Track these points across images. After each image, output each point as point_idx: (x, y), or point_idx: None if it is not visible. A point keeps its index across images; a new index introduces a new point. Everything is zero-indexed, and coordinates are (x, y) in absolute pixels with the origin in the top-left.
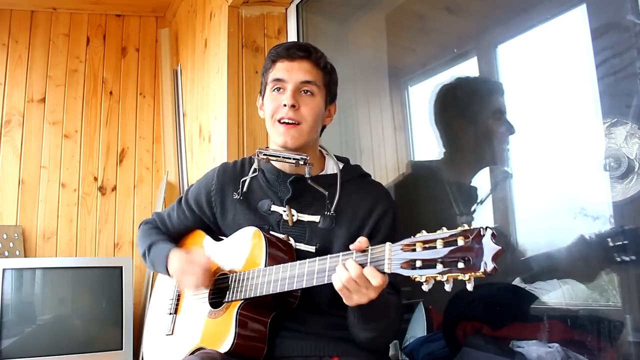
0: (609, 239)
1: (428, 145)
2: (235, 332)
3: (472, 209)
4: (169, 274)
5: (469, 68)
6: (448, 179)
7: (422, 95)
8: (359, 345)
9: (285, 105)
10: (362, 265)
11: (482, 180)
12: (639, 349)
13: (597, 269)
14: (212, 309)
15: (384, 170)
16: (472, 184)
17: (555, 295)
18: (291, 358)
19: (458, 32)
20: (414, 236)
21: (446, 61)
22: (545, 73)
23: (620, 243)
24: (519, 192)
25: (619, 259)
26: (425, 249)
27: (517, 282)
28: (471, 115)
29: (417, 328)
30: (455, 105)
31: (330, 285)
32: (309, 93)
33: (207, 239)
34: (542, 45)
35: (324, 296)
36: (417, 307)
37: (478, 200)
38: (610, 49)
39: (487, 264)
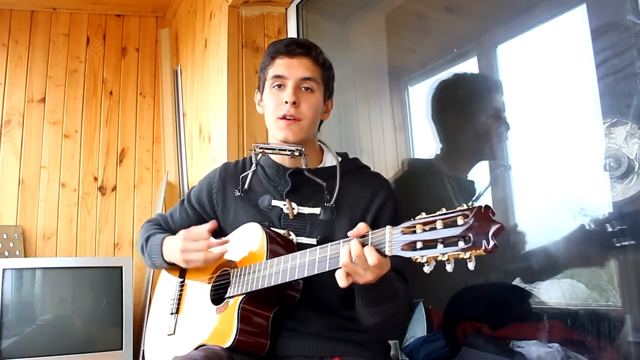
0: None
1: (428, 146)
2: (237, 327)
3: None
4: (165, 262)
5: (469, 68)
6: (446, 173)
7: (422, 96)
8: (369, 331)
9: (286, 102)
10: (363, 245)
11: (480, 178)
12: (639, 349)
13: (597, 256)
14: (214, 305)
15: (384, 171)
16: (469, 179)
17: (555, 295)
18: (292, 358)
19: (458, 32)
20: (413, 218)
21: (446, 61)
22: (545, 73)
23: (619, 228)
24: (519, 192)
25: (618, 245)
26: (425, 230)
27: (517, 282)
28: (468, 112)
29: (417, 328)
30: (453, 102)
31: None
32: (309, 90)
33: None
34: (542, 45)
35: (334, 296)
36: (417, 307)
37: (476, 195)
38: (610, 49)
39: (488, 241)
